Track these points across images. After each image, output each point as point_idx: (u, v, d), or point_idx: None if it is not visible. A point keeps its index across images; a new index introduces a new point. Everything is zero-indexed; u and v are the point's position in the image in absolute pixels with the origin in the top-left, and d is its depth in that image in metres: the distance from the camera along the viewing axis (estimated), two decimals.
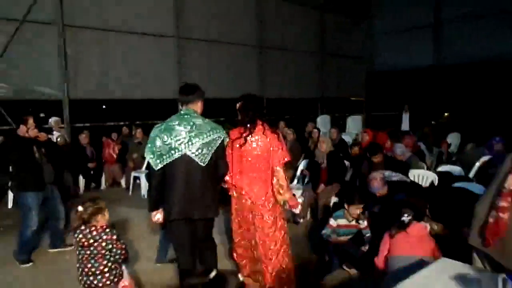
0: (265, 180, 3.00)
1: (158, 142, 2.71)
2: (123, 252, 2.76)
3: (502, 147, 5.83)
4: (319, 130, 7.75)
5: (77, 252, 2.72)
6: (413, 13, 13.47)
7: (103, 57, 8.92)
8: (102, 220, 2.75)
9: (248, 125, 2.96)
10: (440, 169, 5.45)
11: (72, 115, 8.67)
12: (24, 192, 4.00)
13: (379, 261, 3.01)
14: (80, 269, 2.70)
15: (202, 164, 2.74)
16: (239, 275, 3.31)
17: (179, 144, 2.71)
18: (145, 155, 2.83)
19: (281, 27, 12.36)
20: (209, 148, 2.77)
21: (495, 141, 6.03)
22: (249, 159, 2.97)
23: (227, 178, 3.05)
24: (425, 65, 13.42)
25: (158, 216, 2.86)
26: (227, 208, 3.38)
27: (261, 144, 2.95)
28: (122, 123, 9.30)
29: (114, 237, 2.72)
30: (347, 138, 9.30)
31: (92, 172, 7.24)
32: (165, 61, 10.01)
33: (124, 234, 4.57)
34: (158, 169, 2.72)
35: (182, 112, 2.86)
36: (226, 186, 3.14)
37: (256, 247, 3.08)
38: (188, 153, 2.72)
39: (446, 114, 14.91)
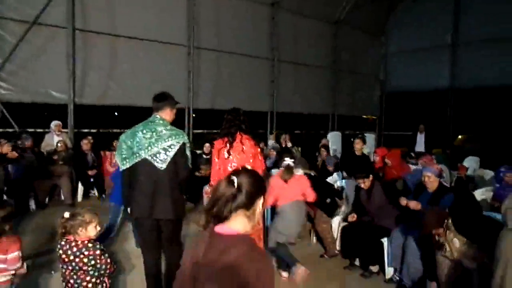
0: None
1: (124, 146, 2.98)
2: (109, 266, 2.60)
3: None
4: (327, 149, 7.43)
5: (60, 266, 2.59)
6: (430, 33, 13.18)
7: (112, 63, 8.79)
8: (83, 234, 2.57)
9: (229, 137, 3.40)
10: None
11: (81, 120, 8.52)
12: None
13: None
14: (64, 284, 2.58)
15: (161, 168, 2.93)
16: None
17: (139, 149, 2.94)
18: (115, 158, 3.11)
19: (295, 41, 12.19)
20: (167, 153, 2.95)
21: (502, 172, 5.23)
22: (232, 166, 3.33)
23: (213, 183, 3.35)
24: (441, 86, 13.04)
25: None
26: None
27: (239, 155, 3.36)
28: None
29: (98, 252, 2.55)
30: None
31: (92, 179, 7.01)
32: (175, 70, 9.86)
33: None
34: (124, 170, 2.98)
35: (149, 119, 3.07)
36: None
37: None
38: (148, 157, 2.93)
39: (460, 136, 14.49)
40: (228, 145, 3.42)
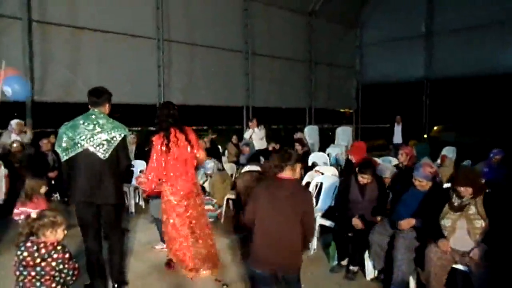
0: (190, 174, 3.65)
1: (65, 138, 3.10)
2: (76, 272, 2.48)
3: (500, 159, 5.51)
4: (301, 143, 7.13)
5: (18, 273, 2.31)
6: (405, 23, 13.10)
7: (73, 57, 8.23)
8: (51, 236, 2.40)
9: (165, 131, 3.54)
10: None
11: (45, 119, 7.95)
12: None
13: None
14: None
15: (103, 157, 3.12)
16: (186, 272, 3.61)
17: (82, 140, 3.09)
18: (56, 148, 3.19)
19: (269, 33, 11.87)
20: (110, 144, 3.14)
21: (492, 153, 5.62)
22: (174, 159, 3.54)
23: (163, 179, 3.57)
24: (417, 76, 13.02)
25: None
26: None
27: (177, 148, 3.53)
28: None
29: (67, 255, 2.42)
30: (336, 150, 8.79)
31: (53, 182, 6.48)
32: (145, 64, 9.37)
33: None
34: (65, 161, 3.13)
35: (89, 112, 3.21)
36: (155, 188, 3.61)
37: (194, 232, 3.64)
38: (90, 148, 3.10)
39: (435, 127, 14.58)
40: (165, 139, 3.53)
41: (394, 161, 6.06)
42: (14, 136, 6.70)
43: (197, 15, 10.16)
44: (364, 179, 3.80)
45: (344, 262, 3.83)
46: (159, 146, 3.51)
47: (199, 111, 11.31)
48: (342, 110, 16.89)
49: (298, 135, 8.66)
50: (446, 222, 3.12)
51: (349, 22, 14.38)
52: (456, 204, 3.10)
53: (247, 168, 5.29)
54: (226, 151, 8.49)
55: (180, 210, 3.57)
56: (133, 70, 9.06)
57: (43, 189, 3.36)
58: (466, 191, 3.03)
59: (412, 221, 3.35)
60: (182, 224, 3.58)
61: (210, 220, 4.30)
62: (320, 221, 4.24)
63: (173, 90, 9.87)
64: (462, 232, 3.05)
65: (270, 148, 7.38)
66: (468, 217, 3.04)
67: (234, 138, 8.87)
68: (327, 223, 4.15)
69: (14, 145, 6.04)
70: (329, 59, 13.83)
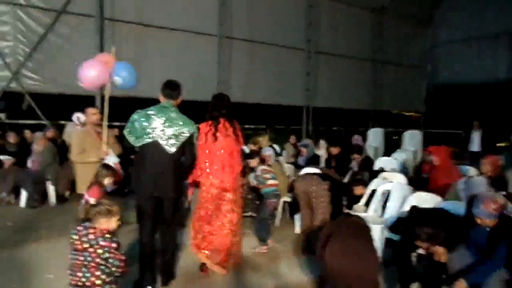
0: (233, 168, 3.51)
1: (137, 125, 3.11)
2: (122, 264, 2.40)
3: None
4: (359, 151, 6.53)
5: (70, 257, 2.38)
6: (486, 20, 11.87)
7: (139, 54, 8.46)
8: (105, 224, 2.42)
9: (214, 120, 3.44)
10: None
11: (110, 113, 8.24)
12: None
13: None
14: (70, 277, 2.36)
15: (169, 151, 3.12)
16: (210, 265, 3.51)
17: (153, 131, 3.10)
18: (124, 133, 3.15)
19: (333, 31, 11.40)
20: (178, 139, 3.15)
21: None
22: (219, 151, 3.43)
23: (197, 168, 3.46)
24: (499, 78, 11.71)
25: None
26: None
27: (225, 138, 3.42)
28: None
29: (114, 245, 2.37)
30: (403, 155, 8.09)
31: None
32: (206, 61, 9.43)
33: None
34: (137, 147, 3.15)
35: (162, 104, 3.24)
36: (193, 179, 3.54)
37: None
38: (159, 140, 3.10)
39: None
40: (213, 128, 3.42)
41: (472, 170, 5.35)
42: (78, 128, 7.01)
43: (260, 13, 10.02)
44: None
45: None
46: (205, 135, 3.41)
47: (257, 109, 11.15)
48: (407, 114, 15.83)
49: (355, 139, 8.11)
50: None
51: (421, 21, 13.38)
52: None
53: (306, 170, 4.96)
54: (284, 152, 8.22)
55: (218, 203, 3.49)
56: (195, 67, 9.13)
57: (107, 180, 3.32)
58: None
59: (463, 285, 2.73)
60: (214, 215, 3.50)
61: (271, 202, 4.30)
62: (386, 234, 3.79)
63: (233, 87, 9.83)
64: None
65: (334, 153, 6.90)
66: None
67: (293, 139, 8.57)
68: (396, 237, 3.70)
69: None
70: (397, 58, 12.99)
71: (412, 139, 10.00)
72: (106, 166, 3.38)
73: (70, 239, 2.38)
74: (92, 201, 2.54)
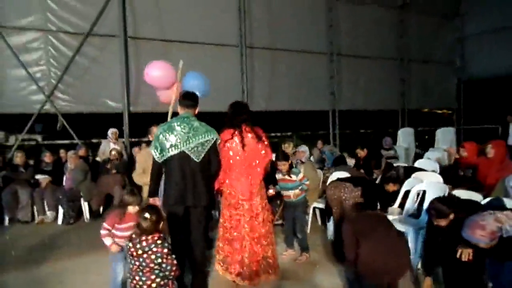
0: (254, 176, 3.44)
1: (162, 138, 3.16)
2: (174, 268, 2.59)
3: None
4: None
5: (129, 261, 2.64)
6: None
7: None
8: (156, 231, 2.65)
9: (235, 128, 3.42)
10: None
11: (137, 129, 8.44)
12: None
13: None
14: (129, 280, 2.63)
15: (197, 160, 3.18)
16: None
17: (178, 142, 3.16)
18: (150, 149, 3.27)
19: (355, 32, 11.21)
20: (204, 147, 3.21)
21: None
22: (237, 158, 3.40)
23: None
24: None
25: (157, 202, 3.25)
26: None
27: (246, 145, 3.38)
28: None
29: (165, 250, 2.57)
30: (436, 154, 7.78)
31: None
32: (229, 72, 9.48)
33: None
34: (160, 162, 3.18)
35: (183, 115, 3.30)
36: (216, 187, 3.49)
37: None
38: (185, 150, 3.16)
39: None
40: (234, 135, 3.40)
41: None
42: (112, 145, 7.22)
43: (279, 20, 10.00)
44: None
45: None
46: (225, 142, 3.39)
47: (282, 116, 11.09)
48: (439, 112, 15.28)
49: (387, 142, 7.90)
50: None
51: (446, 13, 12.96)
52: None
53: (336, 175, 4.85)
54: (312, 157, 8.11)
55: (236, 213, 3.44)
56: (218, 78, 9.17)
57: (133, 209, 3.06)
58: None
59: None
60: (236, 228, 3.43)
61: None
62: (423, 236, 3.62)
63: (256, 96, 9.84)
64: None
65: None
66: None
67: (320, 143, 8.46)
68: None
69: (113, 152, 6.45)
70: (423, 55, 12.58)
71: (445, 136, 9.63)
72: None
73: (126, 247, 2.61)
74: (146, 215, 2.58)
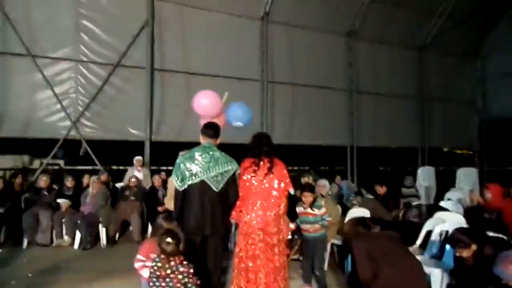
0: (270, 207, 3.40)
1: (183, 167, 3.23)
2: None
3: None
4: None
5: (151, 284, 2.67)
6: None
7: (186, 100, 8.84)
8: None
9: (255, 158, 3.44)
10: None
11: (160, 157, 8.59)
12: None
13: None
14: None
15: (216, 189, 3.23)
16: None
17: (199, 171, 3.22)
18: (171, 178, 3.47)
19: (374, 70, 11.38)
20: (223, 177, 3.26)
21: None
22: (255, 187, 3.40)
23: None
24: None
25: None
26: None
27: (264, 176, 3.38)
28: None
29: (191, 270, 2.69)
30: (457, 194, 7.58)
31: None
32: (248, 105, 9.55)
33: None
34: (182, 190, 3.23)
35: (204, 145, 3.37)
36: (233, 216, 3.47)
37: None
38: (205, 179, 3.21)
39: None
40: (253, 165, 3.41)
41: None
42: (136, 172, 7.34)
43: (300, 56, 10.26)
44: None
45: None
46: (244, 170, 3.43)
47: (301, 150, 11.10)
48: (458, 152, 15.01)
49: (408, 181, 7.80)
50: None
51: (466, 54, 13.04)
52: None
53: (354, 213, 4.77)
54: (329, 192, 8.02)
55: (251, 243, 3.36)
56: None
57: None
58: None
59: None
60: (251, 259, 3.36)
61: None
62: (446, 279, 3.49)
63: (276, 130, 9.93)
64: None
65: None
66: None
67: (338, 179, 8.40)
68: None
69: (132, 179, 6.56)
70: (443, 94, 12.59)
71: (467, 177, 9.39)
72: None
73: (151, 268, 2.70)
74: (168, 240, 2.68)
